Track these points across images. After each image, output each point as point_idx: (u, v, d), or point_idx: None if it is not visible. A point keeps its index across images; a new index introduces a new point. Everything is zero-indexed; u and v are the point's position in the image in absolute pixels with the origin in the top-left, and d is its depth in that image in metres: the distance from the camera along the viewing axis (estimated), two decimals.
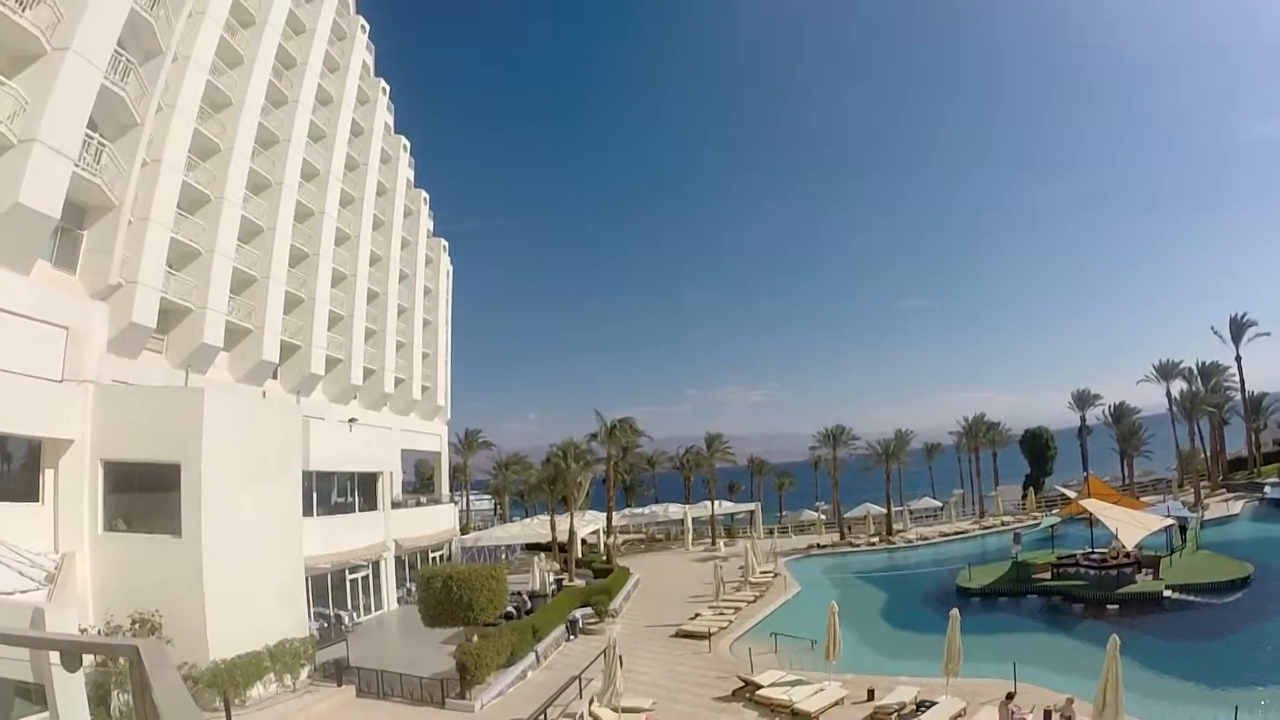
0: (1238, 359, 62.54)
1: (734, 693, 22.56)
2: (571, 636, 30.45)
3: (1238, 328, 62.19)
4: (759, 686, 22.26)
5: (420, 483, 57.15)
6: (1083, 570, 35.10)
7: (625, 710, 20.24)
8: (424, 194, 53.97)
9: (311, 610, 28.80)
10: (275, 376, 34.69)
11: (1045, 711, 18.22)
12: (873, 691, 21.50)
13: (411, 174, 52.48)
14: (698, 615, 32.80)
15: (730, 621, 32.22)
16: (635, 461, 71.76)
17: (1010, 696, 18.44)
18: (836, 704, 21.04)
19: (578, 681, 22.32)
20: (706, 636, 29.12)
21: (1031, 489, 65.90)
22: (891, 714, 20.06)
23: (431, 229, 55.61)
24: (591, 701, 20.85)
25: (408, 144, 51.32)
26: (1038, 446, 70.20)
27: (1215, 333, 63.19)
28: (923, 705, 20.26)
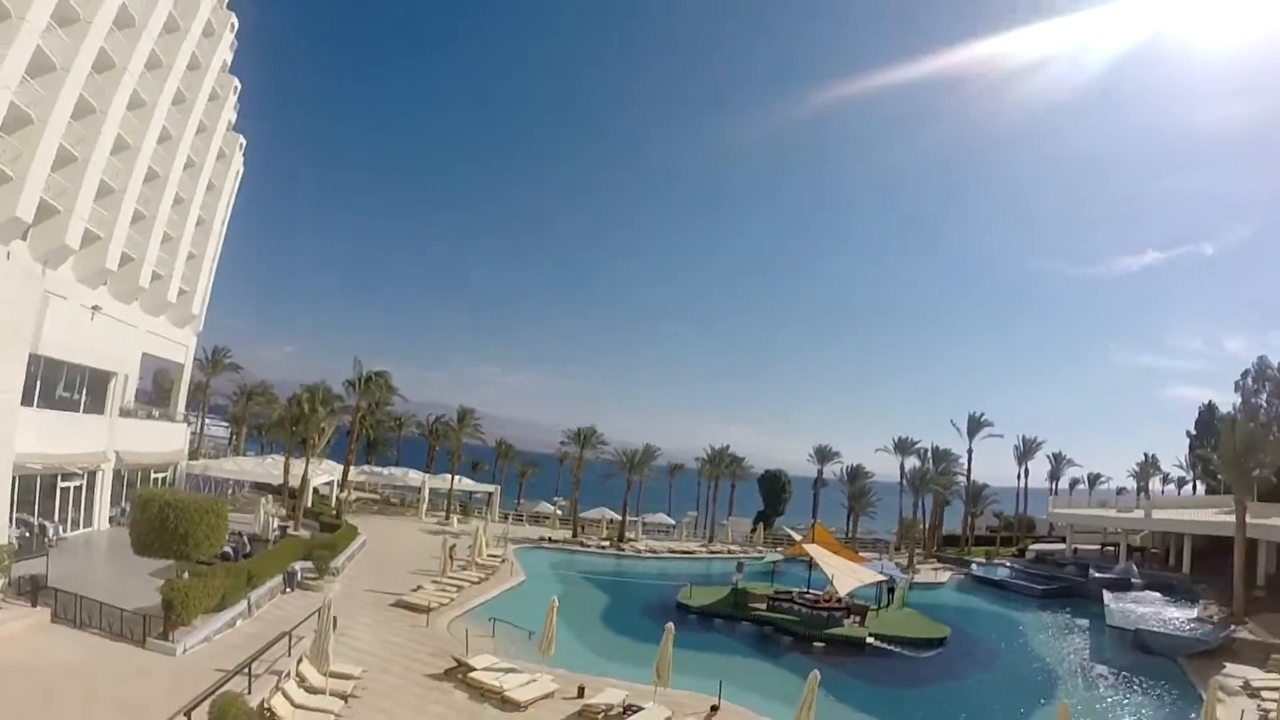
0: (969, 451, 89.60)
1: (446, 672, 27.78)
2: (288, 589, 36.33)
3: (974, 425, 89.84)
4: (472, 669, 27.45)
5: (156, 394, 64.17)
6: (796, 607, 47.02)
7: (333, 675, 24.35)
8: (236, 81, 61.84)
9: (13, 516, 32.98)
10: (25, 238, 36.90)
11: None
12: (583, 689, 27.32)
13: (231, 56, 60.08)
14: (420, 588, 41.11)
15: (452, 599, 40.50)
16: (384, 419, 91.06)
17: (714, 709, 25.18)
18: (546, 697, 26.58)
19: (288, 638, 26.01)
20: (426, 610, 36.64)
21: (761, 525, 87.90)
22: (599, 714, 25.68)
23: (234, 121, 63.61)
24: (300, 661, 24.49)
25: (235, 23, 59.00)
26: (774, 487, 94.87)
27: (954, 425, 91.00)
28: (630, 709, 26.16)
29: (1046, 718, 29.19)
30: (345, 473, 67.65)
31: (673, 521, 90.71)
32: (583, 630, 39.29)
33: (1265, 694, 32.94)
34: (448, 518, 74.66)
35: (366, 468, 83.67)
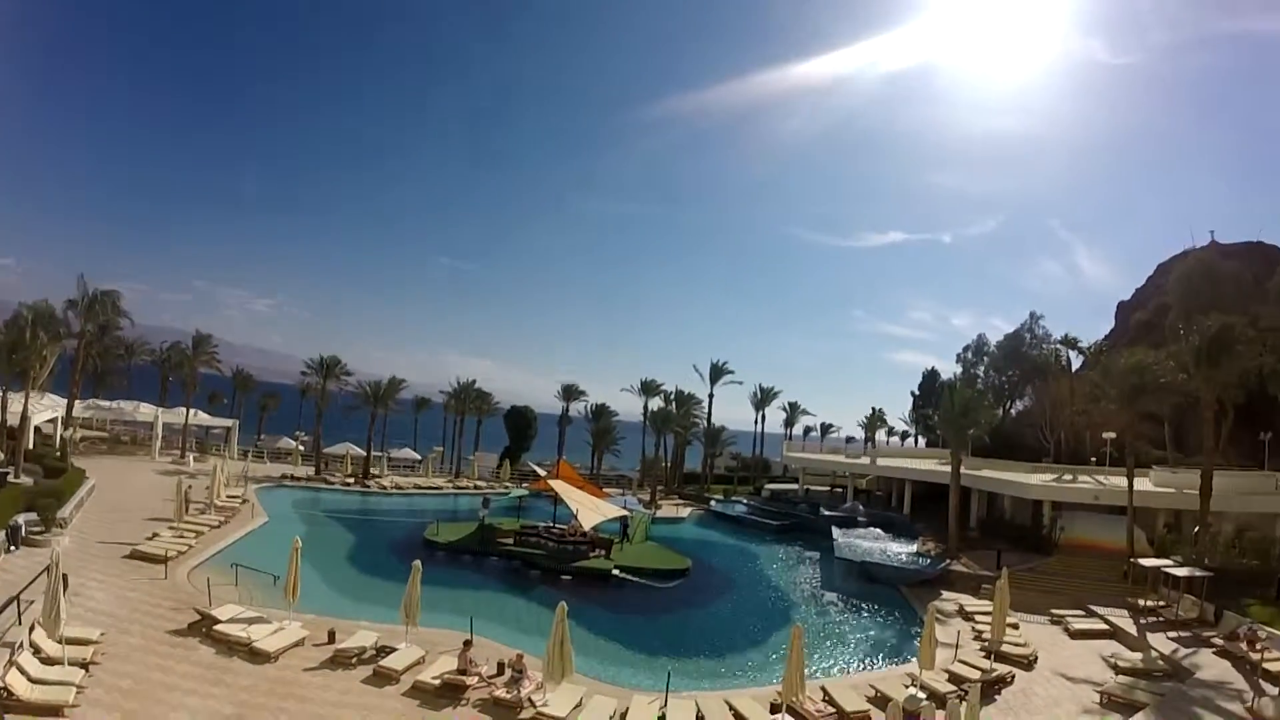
0: (710, 396, 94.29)
1: (190, 626, 26.59)
2: (12, 547, 33.59)
3: (716, 371, 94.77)
4: (217, 621, 26.57)
5: None
6: (543, 541, 48.08)
7: (70, 641, 22.39)
8: None
9: None
10: None
11: (498, 664, 25.32)
12: (333, 634, 27.00)
13: None
14: (156, 535, 39.51)
15: (190, 546, 39.08)
16: (112, 346, 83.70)
17: (468, 645, 25.21)
18: (297, 644, 26.00)
19: (17, 603, 24.34)
20: (164, 560, 35.06)
21: (508, 460, 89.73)
22: (352, 658, 25.34)
23: None
24: (32, 629, 22.44)
25: None
26: (521, 423, 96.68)
27: (696, 370, 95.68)
28: (383, 650, 26.10)
29: (782, 640, 30.73)
30: (70, 408, 61.50)
31: (419, 457, 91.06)
32: (329, 572, 38.73)
33: (977, 617, 36.95)
34: (183, 456, 71.53)
35: (93, 401, 77.75)
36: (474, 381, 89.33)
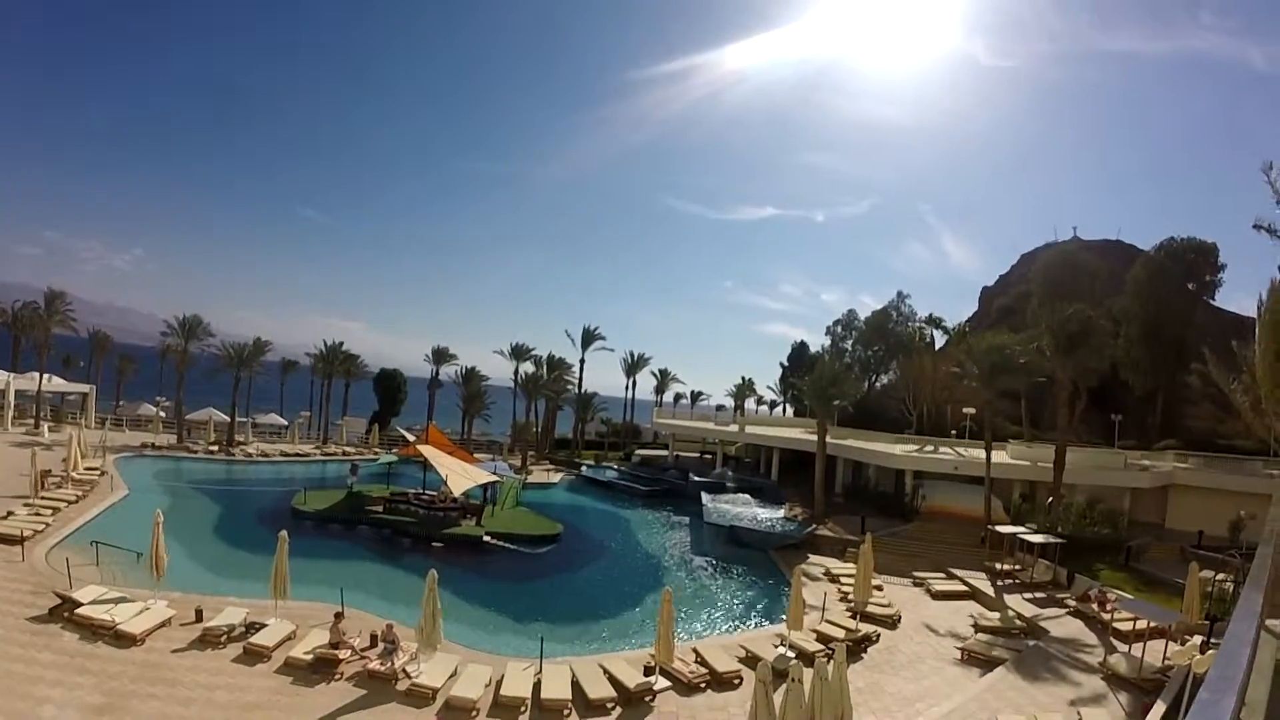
0: (581, 361, 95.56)
1: (51, 611, 25.24)
2: None
3: (588, 337, 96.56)
4: (78, 604, 25.21)
5: None
6: (413, 508, 47.75)
7: None
8: None
9: None
10: None
11: (371, 635, 24.92)
12: (200, 612, 26.06)
13: None
14: (10, 514, 37.30)
15: (48, 524, 37.07)
16: None
17: (339, 617, 24.66)
18: (163, 625, 25.03)
19: None
20: (20, 541, 32.89)
21: (377, 426, 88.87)
22: (221, 636, 24.53)
23: None
24: None
25: None
26: (390, 387, 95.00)
27: (568, 335, 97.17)
28: (253, 627, 25.39)
29: (654, 603, 30.76)
30: None
31: (285, 423, 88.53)
32: (194, 546, 37.31)
33: (843, 579, 38.18)
34: (37, 426, 68.13)
35: None
36: (342, 344, 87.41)
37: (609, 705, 21.97)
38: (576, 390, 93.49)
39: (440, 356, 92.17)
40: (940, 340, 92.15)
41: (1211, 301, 74.90)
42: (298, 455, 71.00)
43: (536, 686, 22.34)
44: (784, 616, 29.54)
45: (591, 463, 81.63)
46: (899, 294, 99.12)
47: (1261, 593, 5.07)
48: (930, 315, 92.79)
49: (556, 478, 72.38)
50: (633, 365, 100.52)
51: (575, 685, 22.63)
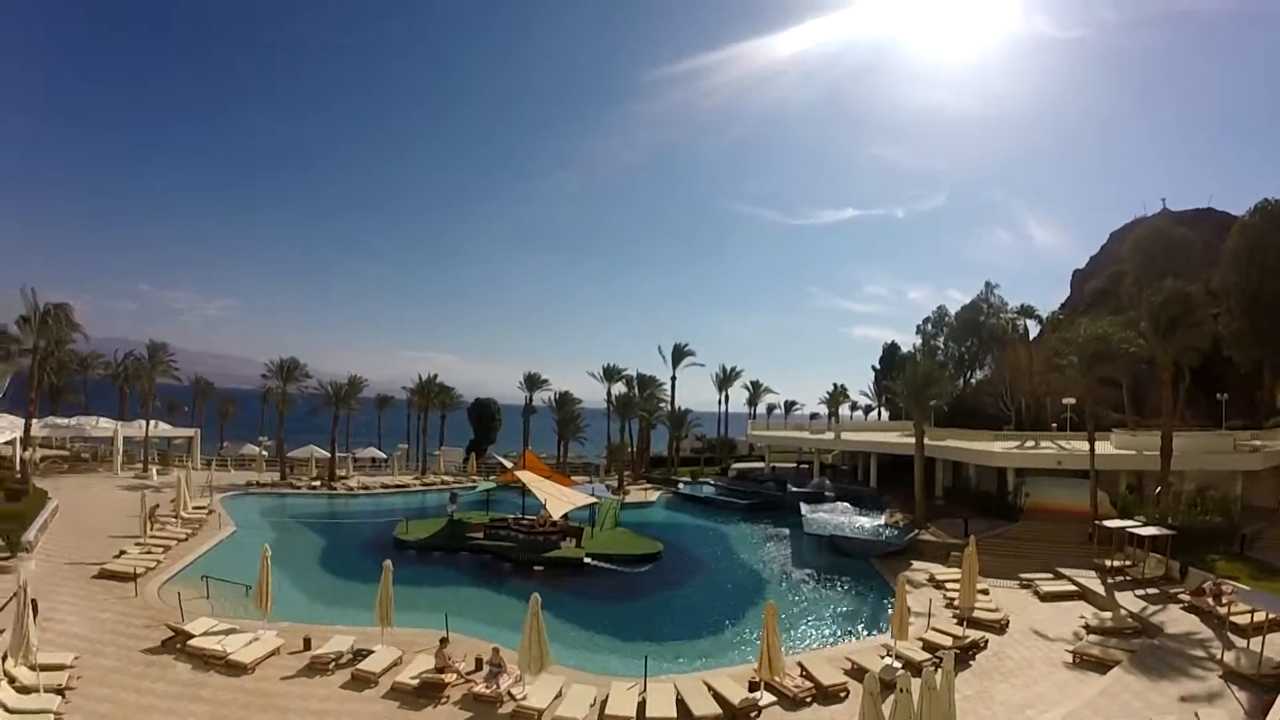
0: (673, 379, 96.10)
1: (164, 643, 26.38)
2: None
3: (678, 354, 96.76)
4: (190, 636, 26.33)
5: None
6: (513, 533, 48.40)
7: (44, 668, 22.08)
8: None
9: None
10: None
11: (476, 659, 25.42)
12: (309, 640, 26.80)
13: None
14: (124, 553, 38.90)
15: (159, 561, 38.63)
16: (66, 361, 79.81)
17: (444, 642, 25.15)
18: (272, 654, 25.88)
19: None
20: (133, 578, 34.46)
21: (473, 454, 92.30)
22: (329, 663, 25.32)
23: None
24: (4, 658, 22.02)
25: None
26: (485, 416, 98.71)
27: (660, 353, 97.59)
28: (360, 654, 26.10)
29: (756, 617, 30.93)
30: (27, 428, 58.79)
31: (384, 455, 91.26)
32: (301, 578, 38.84)
33: (948, 584, 37.64)
34: (146, 469, 70.55)
35: (50, 420, 74.85)
36: (435, 376, 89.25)
37: None
38: (669, 407, 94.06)
39: (532, 382, 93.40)
40: (1034, 330, 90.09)
41: None
42: (398, 487, 72.60)
43: (641, 705, 22.55)
44: (888, 626, 29.11)
45: (688, 479, 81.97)
46: (987, 285, 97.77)
47: None
48: (1022, 305, 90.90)
49: (654, 496, 73.08)
50: (724, 379, 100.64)
51: (680, 703, 22.75)
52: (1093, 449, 47.89)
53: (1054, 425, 67.44)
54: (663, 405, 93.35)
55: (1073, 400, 60.10)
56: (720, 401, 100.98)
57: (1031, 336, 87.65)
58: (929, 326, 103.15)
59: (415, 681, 23.63)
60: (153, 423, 75.89)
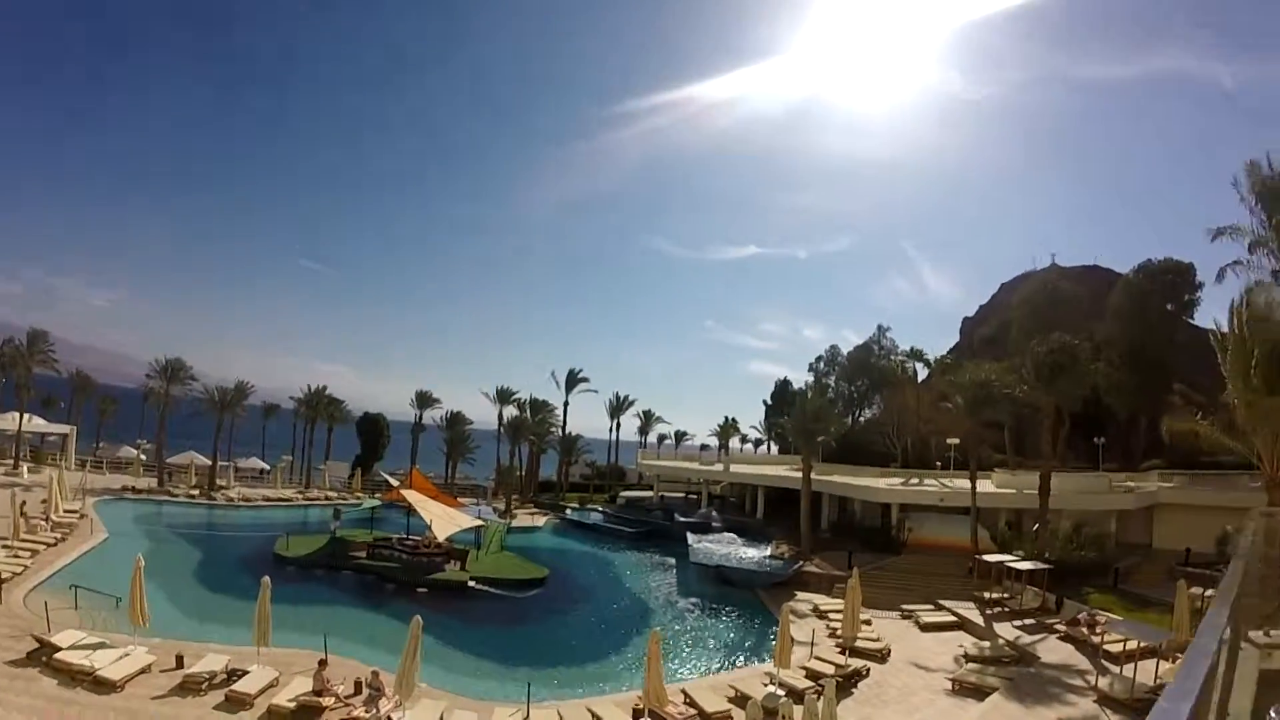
0: (565, 404, 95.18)
1: (29, 655, 24.74)
2: None
3: (572, 380, 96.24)
4: (57, 649, 24.68)
5: None
6: (397, 554, 47.05)
7: None
8: None
9: None
10: None
11: (355, 682, 24.48)
12: (181, 658, 25.48)
13: None
14: None
15: (26, 567, 36.58)
16: None
17: (323, 664, 24.07)
18: (143, 671, 24.40)
19: None
20: None
21: (360, 470, 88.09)
22: (202, 683, 24.03)
23: None
24: None
25: None
26: (373, 431, 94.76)
27: (553, 378, 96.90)
28: (235, 674, 24.84)
29: (641, 644, 30.42)
30: None
31: (267, 467, 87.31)
32: (175, 591, 36.79)
33: (831, 615, 37.69)
34: (16, 466, 66.47)
35: None
36: (325, 388, 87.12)
37: None
38: (560, 433, 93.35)
39: (424, 400, 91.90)
40: (923, 372, 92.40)
41: (1191, 321, 75.10)
42: (280, 500, 70.02)
43: None
44: (772, 654, 28.92)
45: (576, 505, 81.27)
46: (880, 328, 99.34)
47: (1229, 605, 5.08)
48: (912, 348, 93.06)
49: (541, 521, 71.89)
50: (617, 407, 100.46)
51: None
52: (974, 487, 49.08)
53: (938, 464, 68.95)
54: (554, 430, 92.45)
55: (957, 440, 61.50)
56: (612, 429, 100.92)
57: (920, 378, 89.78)
58: (821, 365, 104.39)
59: (292, 704, 22.52)
60: (27, 416, 72.26)
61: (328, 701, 22.81)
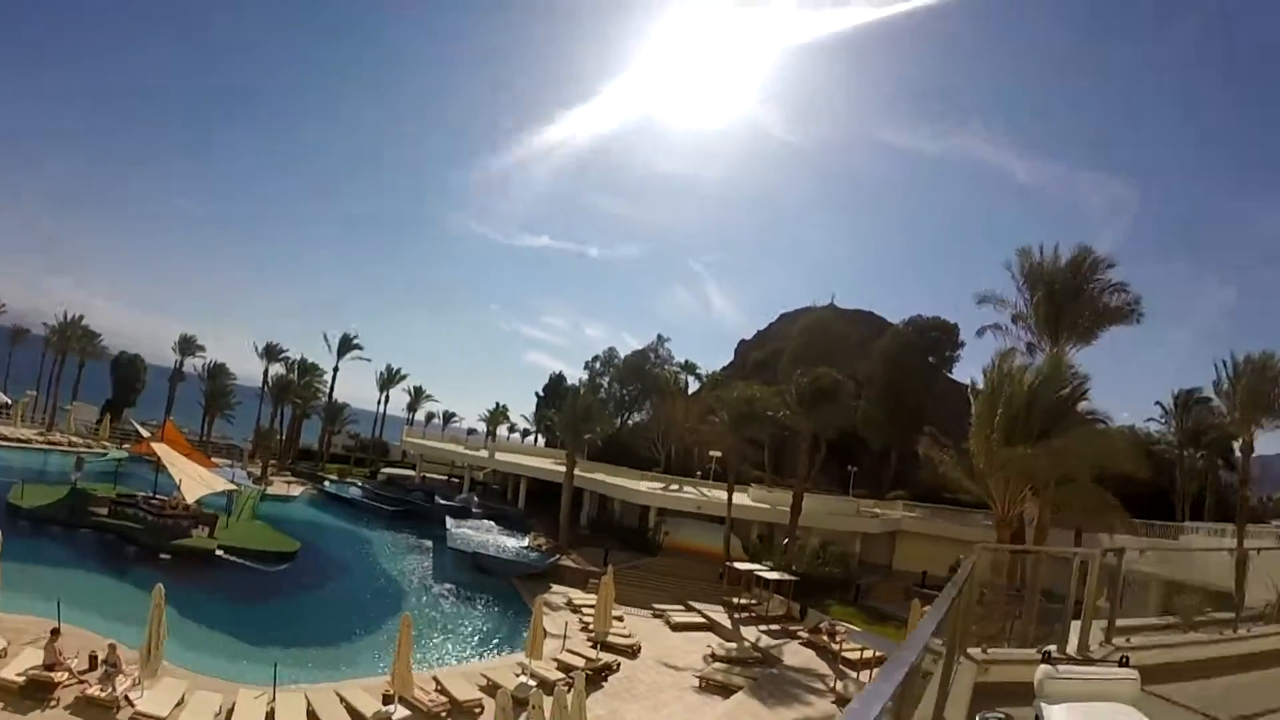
0: (335, 369, 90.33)
1: None
2: None
3: (345, 344, 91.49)
4: None
5: None
6: (142, 513, 43.57)
7: None
8: None
9: None
10: None
11: (90, 656, 22.19)
12: None
13: None
14: None
15: None
16: None
17: (56, 634, 21.82)
18: None
19: None
20: None
21: (109, 416, 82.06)
22: None
23: None
24: None
25: None
26: (129, 374, 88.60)
27: (326, 340, 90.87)
28: None
29: (393, 628, 29.67)
30: None
31: (8, 401, 78.84)
32: None
33: (584, 609, 38.07)
34: None
35: None
36: (81, 316, 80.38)
37: None
38: (327, 399, 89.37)
39: (187, 346, 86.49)
40: (694, 385, 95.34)
41: (949, 375, 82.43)
42: (18, 441, 64.09)
43: (270, 715, 21.04)
44: (525, 645, 28.99)
45: (335, 478, 78.43)
46: (659, 337, 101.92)
47: (934, 623, 5.85)
48: (687, 361, 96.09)
49: (298, 491, 68.99)
50: (388, 379, 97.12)
51: (311, 715, 21.54)
52: (730, 498, 51.23)
53: (699, 473, 71.26)
54: (320, 396, 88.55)
55: (719, 453, 63.81)
56: (380, 401, 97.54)
57: (691, 391, 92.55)
58: (598, 364, 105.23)
59: (21, 679, 20.50)
60: None
61: (60, 677, 20.90)
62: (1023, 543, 34.00)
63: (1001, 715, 5.46)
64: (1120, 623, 13.14)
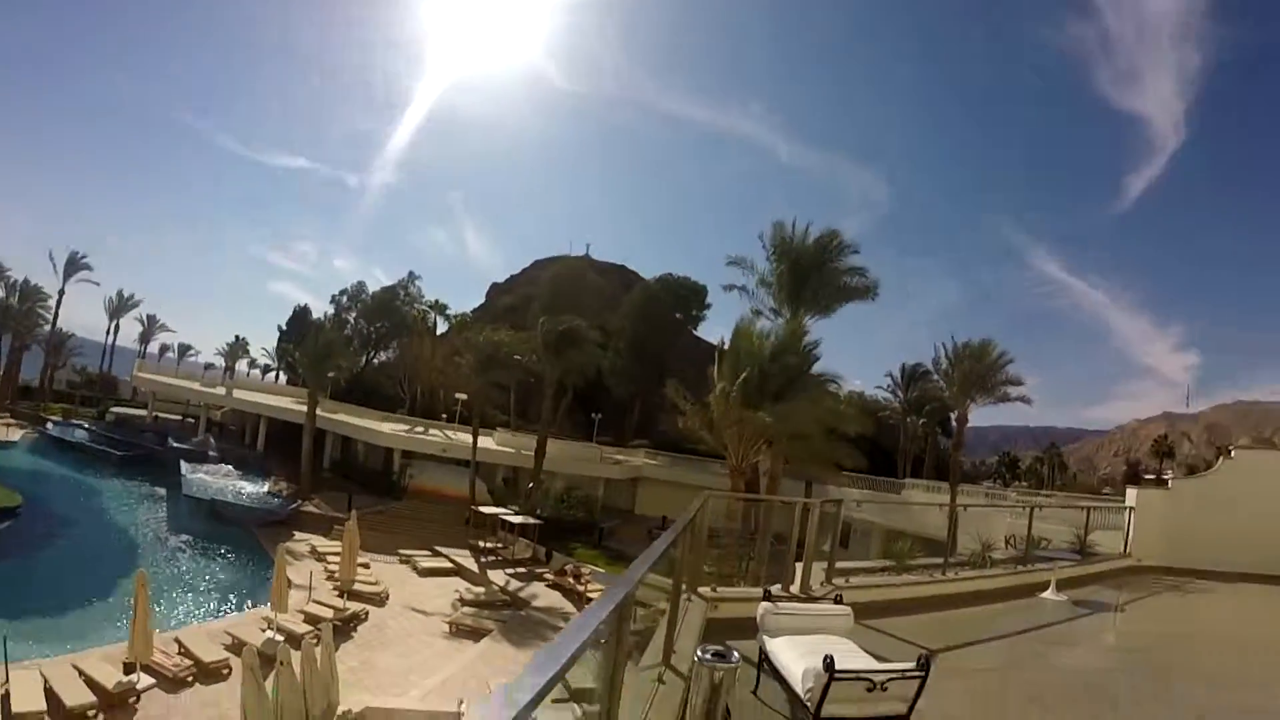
0: (61, 293, 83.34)
1: None
2: None
3: (73, 264, 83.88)
4: None
5: None
6: None
7: None
8: None
9: None
10: None
11: None
12: None
13: None
14: None
15: None
16: None
17: None
18: None
19: None
20: None
21: None
22: None
23: None
24: None
25: None
26: None
27: (51, 258, 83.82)
28: None
29: (128, 589, 28.74)
30: None
31: None
32: None
33: (329, 557, 38.07)
34: None
35: None
36: None
37: (91, 713, 20.31)
38: (50, 328, 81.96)
39: None
40: (444, 327, 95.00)
41: (695, 332, 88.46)
42: None
43: (4, 699, 20.00)
44: (270, 598, 28.86)
45: (59, 418, 72.58)
46: (410, 274, 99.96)
47: (652, 560, 6.10)
48: (436, 301, 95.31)
49: (17, 435, 63.91)
50: (119, 306, 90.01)
51: (49, 693, 20.49)
52: (475, 442, 52.29)
53: (444, 416, 71.56)
54: (43, 325, 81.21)
55: (465, 396, 64.57)
56: (109, 331, 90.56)
57: (440, 332, 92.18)
58: (345, 299, 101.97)
59: None
60: None
61: None
62: (757, 491, 37.89)
63: (721, 646, 5.89)
64: (841, 565, 15.10)
